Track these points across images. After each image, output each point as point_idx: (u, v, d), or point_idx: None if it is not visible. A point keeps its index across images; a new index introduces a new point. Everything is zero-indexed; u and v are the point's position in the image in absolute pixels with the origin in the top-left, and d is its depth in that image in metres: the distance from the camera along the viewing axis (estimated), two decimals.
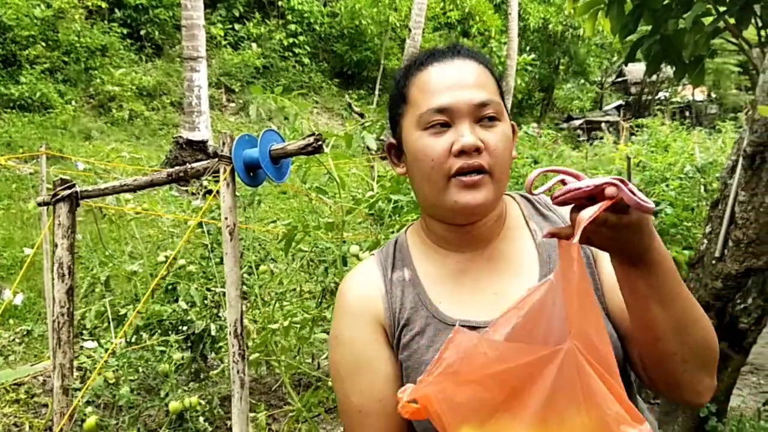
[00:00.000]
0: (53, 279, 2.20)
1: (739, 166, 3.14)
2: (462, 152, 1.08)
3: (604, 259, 1.17)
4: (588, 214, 0.86)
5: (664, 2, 3.97)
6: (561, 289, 0.92)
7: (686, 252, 5.44)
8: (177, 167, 2.05)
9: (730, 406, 3.98)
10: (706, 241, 3.43)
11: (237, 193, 3.56)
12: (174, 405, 2.68)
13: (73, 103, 13.82)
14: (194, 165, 2.02)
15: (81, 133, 13.01)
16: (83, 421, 2.43)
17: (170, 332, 3.71)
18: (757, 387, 5.07)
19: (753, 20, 3.83)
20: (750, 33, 4.03)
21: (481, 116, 1.11)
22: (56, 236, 2.20)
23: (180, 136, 11.42)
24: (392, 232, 2.43)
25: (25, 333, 5.48)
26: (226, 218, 1.94)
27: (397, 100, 1.20)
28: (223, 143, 1.91)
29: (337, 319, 1.20)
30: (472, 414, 0.90)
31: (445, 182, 1.10)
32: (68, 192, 2.18)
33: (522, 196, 1.32)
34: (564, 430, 0.85)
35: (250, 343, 2.62)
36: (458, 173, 1.09)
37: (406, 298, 1.16)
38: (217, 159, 1.91)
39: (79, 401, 2.19)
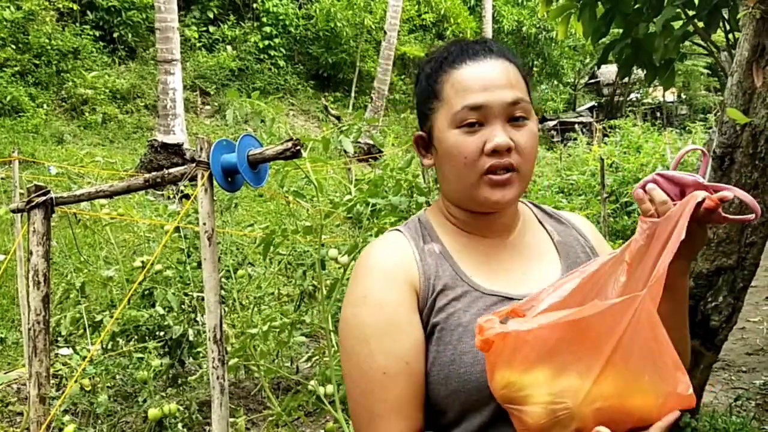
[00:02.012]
0: (28, 287, 2.18)
1: (709, 167, 3.20)
2: (494, 151, 1.14)
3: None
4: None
5: (635, 6, 4.04)
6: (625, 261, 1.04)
7: None
8: (154, 173, 2.04)
9: (703, 402, 4.06)
10: None
11: (214, 198, 3.55)
12: (153, 412, 2.65)
13: (45, 106, 13.60)
14: (171, 170, 2.01)
15: (53, 137, 12.82)
16: (60, 429, 2.40)
17: (147, 338, 3.69)
18: (728, 383, 5.16)
19: (721, 24, 3.92)
20: (718, 36, 4.12)
21: (512, 115, 1.16)
22: (31, 243, 2.17)
23: (155, 140, 11.33)
24: (371, 236, 2.44)
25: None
26: (204, 223, 1.94)
27: (428, 95, 1.23)
28: (201, 148, 1.91)
29: (367, 279, 1.18)
30: (549, 357, 0.94)
31: (477, 179, 1.16)
32: (43, 198, 2.16)
33: (531, 202, 1.42)
34: (632, 377, 0.92)
35: (229, 348, 2.61)
36: (489, 171, 1.15)
37: (440, 268, 1.19)
38: (195, 164, 1.91)
39: (57, 410, 2.16)
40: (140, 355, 2.91)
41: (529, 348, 0.94)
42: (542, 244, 1.31)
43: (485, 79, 1.16)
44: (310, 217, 2.47)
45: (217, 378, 1.92)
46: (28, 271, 2.30)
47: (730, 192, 1.02)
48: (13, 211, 2.33)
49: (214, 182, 1.94)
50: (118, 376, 2.85)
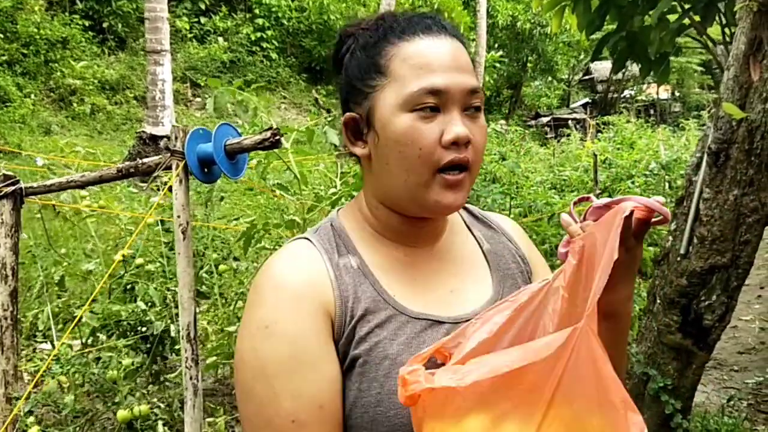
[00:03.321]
0: None
1: (704, 164, 3.14)
2: (454, 143, 0.97)
3: (543, 274, 1.18)
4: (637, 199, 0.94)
5: None
6: (559, 292, 0.94)
7: (651, 248, 5.48)
8: (127, 162, 1.95)
9: (695, 402, 4.00)
10: (671, 238, 3.43)
11: (198, 190, 3.46)
12: (122, 414, 2.54)
13: (33, 96, 13.43)
14: (145, 160, 1.92)
15: (40, 127, 12.66)
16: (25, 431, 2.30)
17: (129, 333, 3.60)
18: (720, 382, 5.12)
19: (717, 18, 3.85)
20: (714, 31, 4.05)
21: (469, 105, 1.00)
22: None
23: (143, 131, 11.19)
24: None
25: None
26: (178, 216, 1.85)
27: (368, 69, 1.02)
28: (176, 137, 1.82)
29: (269, 303, 0.96)
30: (484, 406, 0.83)
31: (430, 176, 0.99)
32: (12, 188, 2.06)
33: None
34: (578, 422, 0.81)
35: (209, 345, 2.53)
36: (445, 168, 0.98)
37: (359, 287, 1.00)
38: (169, 154, 1.82)
39: (19, 409, 2.07)
40: (109, 354, 2.79)
41: (461, 398, 0.83)
42: (471, 254, 1.15)
43: (445, 59, 0.99)
44: (295, 211, 2.38)
45: (191, 378, 1.83)
46: None
47: (632, 201, 0.95)
48: None
49: (191, 173, 1.86)
50: (91, 375, 2.73)
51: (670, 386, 3.38)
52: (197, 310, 3.62)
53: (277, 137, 1.70)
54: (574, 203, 1.06)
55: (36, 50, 14.13)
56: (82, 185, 2.07)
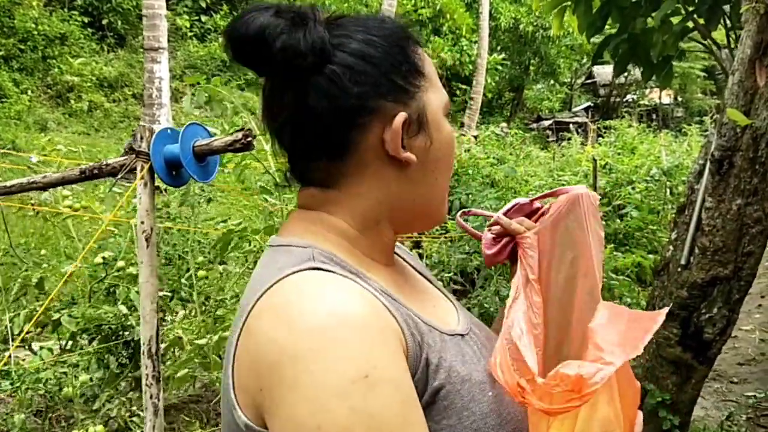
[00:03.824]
0: None
1: (707, 171, 3.03)
2: None
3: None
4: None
5: (633, 0, 3.86)
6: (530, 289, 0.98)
7: (651, 256, 5.38)
8: (91, 164, 1.84)
9: (694, 416, 3.88)
10: (671, 247, 3.32)
11: (181, 190, 3.33)
12: None
13: (29, 92, 13.33)
14: (110, 161, 1.80)
15: (36, 124, 12.55)
16: None
17: (110, 338, 3.49)
18: (720, 394, 5.00)
19: (722, 21, 3.74)
20: (719, 34, 3.94)
21: None
22: None
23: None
24: None
25: None
26: (141, 222, 1.73)
27: (411, 68, 0.89)
28: (141, 137, 1.70)
29: (356, 346, 0.71)
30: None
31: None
32: None
33: None
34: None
35: (183, 356, 2.41)
36: None
37: (398, 311, 0.81)
38: (134, 155, 1.71)
39: None
40: (61, 371, 2.61)
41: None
42: (410, 268, 1.07)
43: None
44: (272, 215, 2.26)
45: (151, 397, 1.71)
46: None
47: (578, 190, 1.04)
48: None
49: (158, 175, 1.74)
50: (48, 392, 2.57)
51: (668, 401, 3.28)
52: (175, 317, 3.51)
53: (249, 139, 1.58)
54: (461, 215, 1.14)
55: (33, 46, 14.03)
56: (44, 187, 1.96)
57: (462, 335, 0.92)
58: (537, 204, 1.09)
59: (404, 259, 1.07)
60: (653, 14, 3.67)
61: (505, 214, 1.07)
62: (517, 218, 1.06)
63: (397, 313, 0.80)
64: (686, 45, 4.83)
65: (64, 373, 2.66)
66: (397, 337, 0.76)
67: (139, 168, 1.72)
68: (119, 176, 1.72)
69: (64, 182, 1.91)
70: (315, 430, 0.67)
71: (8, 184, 1.98)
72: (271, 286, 0.78)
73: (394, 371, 0.72)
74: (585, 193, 1.01)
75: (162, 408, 1.74)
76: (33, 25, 14.07)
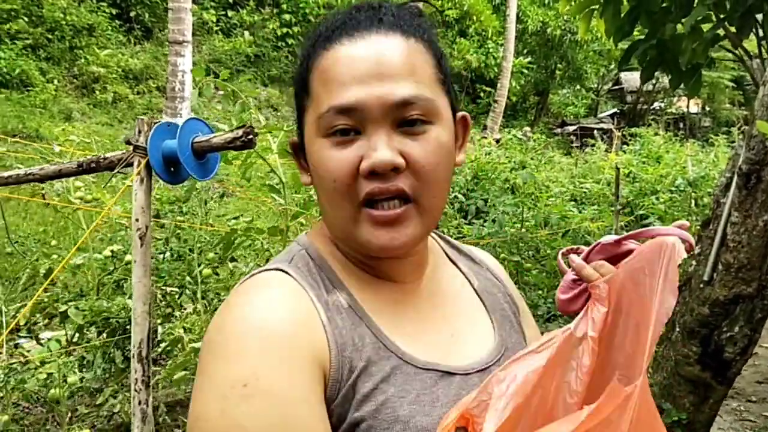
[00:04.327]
0: None
1: (734, 185, 2.92)
2: (373, 173, 0.79)
3: (528, 314, 1.06)
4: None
5: (663, 5, 3.74)
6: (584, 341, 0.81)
7: None
8: (89, 157, 1.79)
9: None
10: (694, 262, 3.20)
11: (204, 183, 3.27)
12: None
13: (55, 82, 13.44)
14: (108, 155, 1.75)
15: (61, 113, 12.65)
16: None
17: (117, 332, 3.46)
18: (737, 413, 4.87)
19: (754, 30, 3.62)
20: (750, 44, 3.81)
21: (404, 118, 0.80)
22: None
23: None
24: None
25: None
26: (136, 219, 1.67)
27: (299, 87, 0.88)
28: (139, 131, 1.63)
29: (248, 355, 0.72)
30: None
31: (353, 211, 0.82)
32: None
33: (435, 232, 1.04)
34: None
35: (180, 358, 2.35)
36: (369, 200, 0.80)
37: (355, 331, 0.80)
38: (132, 149, 1.64)
39: None
40: (51, 370, 2.54)
41: None
42: (463, 291, 0.97)
43: (362, 67, 0.80)
44: (279, 216, 2.19)
45: (139, 403, 1.63)
46: None
47: (671, 235, 0.84)
48: None
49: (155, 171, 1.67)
50: (34, 393, 2.51)
51: (684, 421, 3.17)
52: (179, 313, 3.46)
53: (250, 136, 1.51)
54: (563, 254, 0.94)
55: (61, 36, 14.15)
56: (41, 179, 1.91)
57: (444, 372, 0.83)
58: (627, 245, 0.90)
59: (468, 278, 1.00)
60: (683, 20, 3.55)
61: (587, 255, 0.91)
62: (596, 261, 0.89)
63: (334, 332, 0.77)
64: (716, 54, 4.70)
65: (66, 364, 2.62)
66: (313, 355, 0.74)
67: (136, 163, 1.66)
68: (116, 170, 1.67)
69: (61, 175, 1.86)
70: (196, 419, 0.72)
71: (5, 174, 1.94)
72: (245, 280, 0.84)
73: (279, 386, 0.70)
74: (672, 244, 0.81)
75: (151, 414, 1.68)
76: (61, 15, 14.19)
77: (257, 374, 0.71)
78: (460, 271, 1.00)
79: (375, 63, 0.80)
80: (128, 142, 1.65)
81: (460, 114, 0.90)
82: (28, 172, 1.89)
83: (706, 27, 3.70)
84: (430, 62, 0.84)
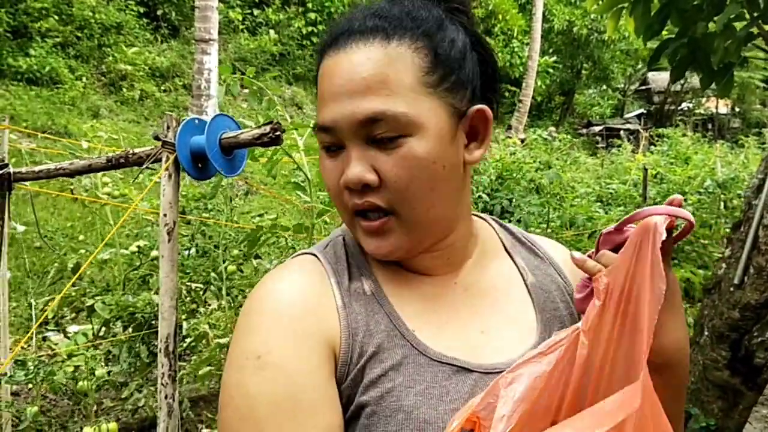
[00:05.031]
0: None
1: (766, 187, 2.86)
2: (348, 188, 0.82)
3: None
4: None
5: (694, 2, 3.67)
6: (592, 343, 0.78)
7: (701, 271, 5.16)
8: (118, 152, 1.79)
9: None
10: (724, 265, 3.14)
11: (230, 182, 3.29)
12: (87, 431, 2.31)
13: (84, 79, 13.61)
14: (136, 150, 1.75)
15: (89, 110, 12.81)
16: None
17: (143, 327, 3.49)
18: (767, 421, 4.77)
19: None
20: None
21: (372, 136, 0.80)
22: None
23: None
24: None
25: None
26: (164, 215, 1.67)
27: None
28: (168, 127, 1.64)
29: (262, 330, 0.78)
30: None
31: (349, 218, 0.86)
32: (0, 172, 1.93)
33: (498, 222, 1.03)
34: None
35: (205, 354, 2.36)
36: (357, 212, 0.84)
37: (372, 317, 0.82)
38: (160, 145, 1.65)
39: None
40: (82, 360, 2.58)
41: None
42: (510, 286, 0.94)
43: (337, 83, 0.80)
44: (304, 214, 2.19)
45: (166, 397, 1.64)
46: None
47: (656, 214, 0.79)
48: None
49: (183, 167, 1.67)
50: (63, 385, 2.54)
51: (713, 427, 3.12)
52: (204, 309, 3.48)
53: (278, 132, 1.51)
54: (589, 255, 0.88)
55: (90, 34, 14.32)
56: (71, 173, 1.92)
57: (461, 368, 0.81)
58: (627, 231, 0.85)
59: (522, 272, 0.96)
60: (716, 18, 3.48)
61: (596, 249, 0.87)
62: (601, 251, 0.85)
63: (348, 317, 0.81)
64: (748, 53, 4.60)
65: (94, 357, 2.65)
66: (323, 336, 0.78)
67: (164, 159, 1.66)
68: (144, 166, 1.67)
69: (90, 170, 1.88)
70: (221, 388, 0.79)
71: (37, 169, 1.96)
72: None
73: (288, 361, 0.75)
74: (654, 224, 0.76)
75: (177, 409, 1.68)
76: (90, 14, 14.36)
77: (269, 348, 0.77)
78: (516, 265, 0.97)
79: (347, 79, 0.79)
80: (157, 138, 1.66)
81: (474, 108, 0.85)
82: (58, 167, 1.91)
83: (739, 25, 3.63)
84: (416, 65, 0.80)
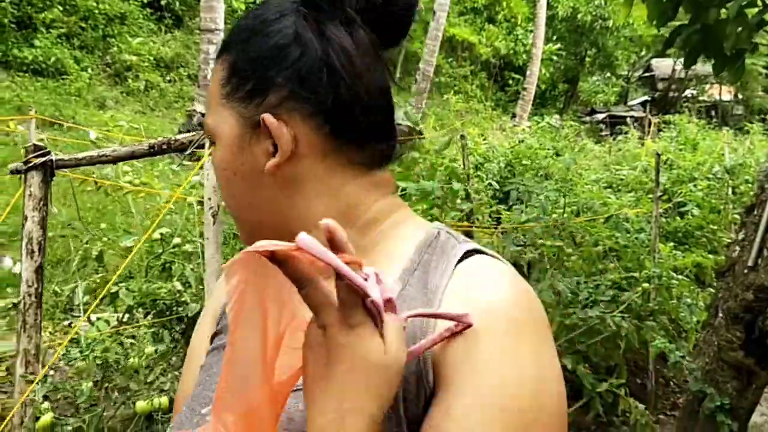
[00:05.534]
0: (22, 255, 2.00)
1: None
2: None
3: (454, 391, 0.66)
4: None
5: None
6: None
7: (711, 256, 5.20)
8: (160, 138, 1.84)
9: (751, 423, 3.76)
10: (738, 248, 3.19)
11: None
12: (141, 405, 2.42)
13: (89, 70, 13.63)
14: (179, 137, 1.81)
15: (95, 101, 12.85)
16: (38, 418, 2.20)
17: (165, 313, 3.54)
18: None
19: None
20: None
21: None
22: (26, 208, 1.99)
23: (194, 110, 11.24)
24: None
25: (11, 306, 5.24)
26: (209, 198, 1.73)
27: None
28: (203, 114, 1.69)
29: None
30: None
31: None
32: (42, 160, 1.98)
33: (455, 236, 0.81)
34: None
35: None
36: None
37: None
38: (202, 130, 1.70)
39: (32, 393, 1.99)
40: (145, 331, 2.66)
41: None
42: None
43: None
44: None
45: None
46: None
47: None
48: (12, 172, 2.15)
49: None
50: (116, 362, 2.62)
51: (727, 406, 3.17)
52: None
53: None
54: None
55: (94, 24, 14.33)
56: (114, 160, 1.98)
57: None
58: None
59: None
60: (728, 5, 3.51)
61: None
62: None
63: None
64: (760, 39, 4.63)
65: (121, 343, 2.72)
66: (213, 316, 0.94)
67: (207, 144, 1.71)
68: (188, 151, 1.72)
69: (133, 156, 1.93)
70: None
71: (79, 155, 2.01)
72: None
73: (193, 341, 0.97)
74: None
75: None
76: (94, 4, 14.36)
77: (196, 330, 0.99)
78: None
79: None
80: (199, 124, 1.71)
81: (262, 116, 0.76)
82: (101, 154, 1.96)
83: (751, 12, 3.66)
84: (219, 77, 0.81)
